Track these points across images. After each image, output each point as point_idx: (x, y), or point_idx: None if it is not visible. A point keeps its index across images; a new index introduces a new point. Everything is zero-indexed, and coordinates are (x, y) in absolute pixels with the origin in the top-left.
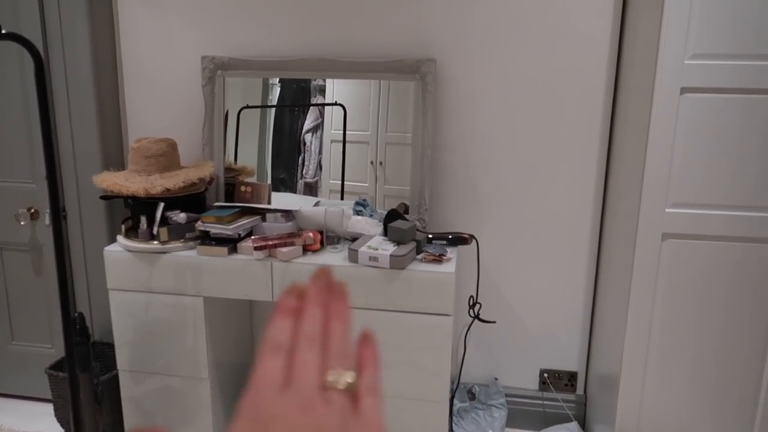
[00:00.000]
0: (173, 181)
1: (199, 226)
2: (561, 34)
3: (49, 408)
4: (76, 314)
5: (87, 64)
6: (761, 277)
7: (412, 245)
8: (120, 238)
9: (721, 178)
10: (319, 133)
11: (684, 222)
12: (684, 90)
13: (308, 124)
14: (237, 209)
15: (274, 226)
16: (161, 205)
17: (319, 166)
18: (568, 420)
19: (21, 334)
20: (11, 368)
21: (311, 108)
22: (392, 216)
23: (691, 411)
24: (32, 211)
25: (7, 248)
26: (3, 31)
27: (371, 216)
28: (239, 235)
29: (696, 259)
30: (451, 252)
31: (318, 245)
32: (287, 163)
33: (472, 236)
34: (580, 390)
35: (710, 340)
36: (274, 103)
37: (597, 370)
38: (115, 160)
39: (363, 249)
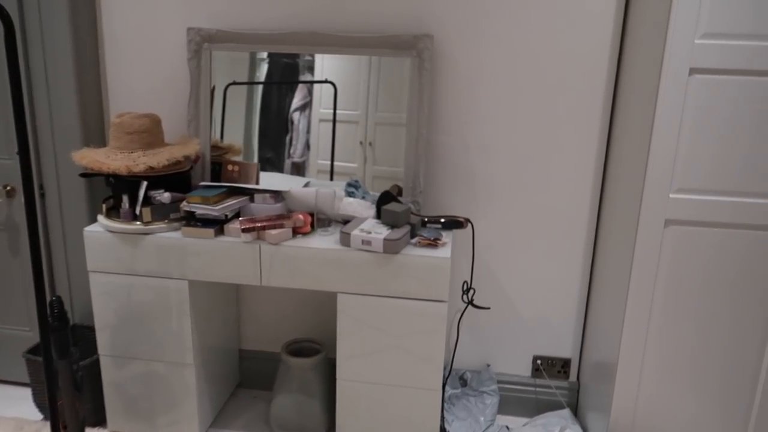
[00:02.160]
0: (157, 158)
1: (184, 206)
2: (564, 10)
3: (28, 392)
4: (53, 298)
5: (66, 33)
6: (766, 267)
7: (407, 229)
8: (101, 218)
9: (729, 164)
10: (307, 111)
11: (688, 208)
12: (693, 71)
13: (296, 102)
14: (224, 189)
15: (262, 208)
16: (144, 183)
17: (307, 146)
18: (560, 407)
19: None
20: None
21: (300, 86)
22: (386, 198)
23: (688, 400)
24: (8, 188)
25: None
26: None
27: (363, 198)
28: (226, 216)
29: (700, 247)
30: (446, 236)
31: (308, 228)
32: (274, 142)
33: (467, 220)
34: (573, 377)
35: (710, 329)
36: (262, 80)
37: (591, 358)
38: (95, 136)
39: (355, 232)
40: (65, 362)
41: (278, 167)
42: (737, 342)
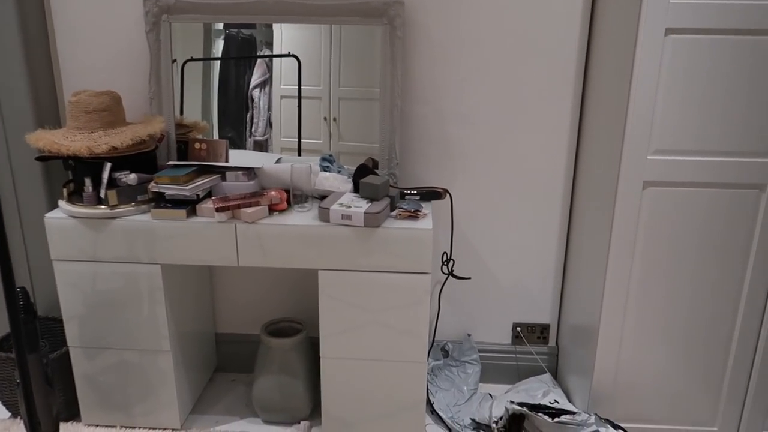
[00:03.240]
0: (120, 138)
1: (152, 187)
2: None
3: None
4: (18, 289)
5: (10, 8)
6: (747, 225)
7: (386, 201)
8: (62, 203)
9: (706, 124)
10: (267, 88)
11: (667, 169)
12: (669, 31)
13: (256, 79)
14: (194, 168)
15: (235, 186)
16: (108, 165)
17: (269, 124)
18: (541, 372)
19: None
20: None
21: (258, 62)
22: (362, 171)
23: (667, 359)
24: None
25: None
26: None
27: (339, 172)
28: (197, 196)
29: (678, 208)
30: (426, 207)
31: (285, 205)
32: (234, 120)
33: (445, 190)
34: (552, 342)
35: (689, 289)
36: (218, 56)
37: (569, 322)
38: (49, 116)
39: (335, 207)
40: (35, 356)
41: (240, 147)
42: (716, 301)
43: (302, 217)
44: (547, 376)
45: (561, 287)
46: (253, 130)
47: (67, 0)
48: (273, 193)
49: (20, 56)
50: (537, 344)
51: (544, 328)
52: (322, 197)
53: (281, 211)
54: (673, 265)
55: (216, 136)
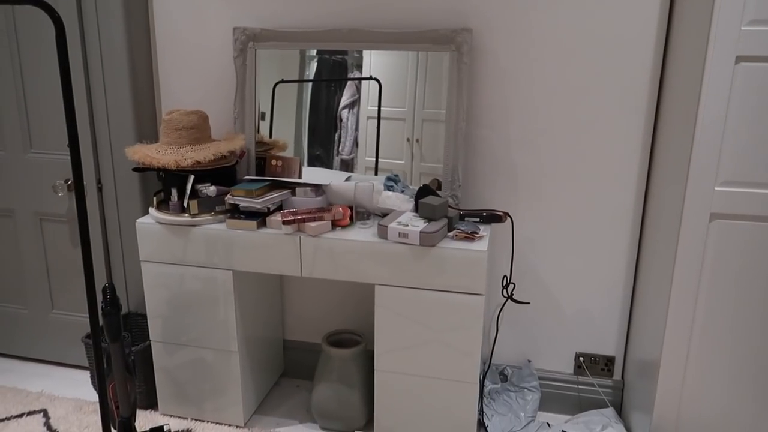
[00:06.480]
0: (203, 153)
1: (229, 199)
2: (606, 3)
3: (87, 375)
4: (106, 284)
5: (121, 35)
6: None
7: (444, 222)
8: (152, 210)
9: None
10: (355, 109)
11: (734, 201)
12: (740, 59)
13: (345, 100)
14: (267, 183)
15: (303, 201)
16: (191, 177)
17: (356, 143)
18: (603, 405)
19: (60, 303)
20: (52, 336)
21: (348, 83)
22: (424, 192)
23: (733, 398)
24: (69, 182)
25: (46, 219)
26: None
27: (402, 192)
28: (268, 208)
29: (746, 242)
30: (485, 230)
31: (347, 221)
32: (323, 139)
33: (506, 214)
34: (617, 375)
35: (756, 326)
36: (311, 77)
37: (636, 356)
38: (148, 132)
39: (393, 225)
40: (117, 346)
41: (327, 164)
42: None
43: (363, 233)
44: (610, 411)
45: (629, 319)
46: (340, 148)
47: (168, 27)
48: (338, 209)
49: (127, 78)
50: (601, 376)
51: (609, 360)
52: (384, 215)
53: (344, 226)
54: (740, 300)
55: (306, 153)
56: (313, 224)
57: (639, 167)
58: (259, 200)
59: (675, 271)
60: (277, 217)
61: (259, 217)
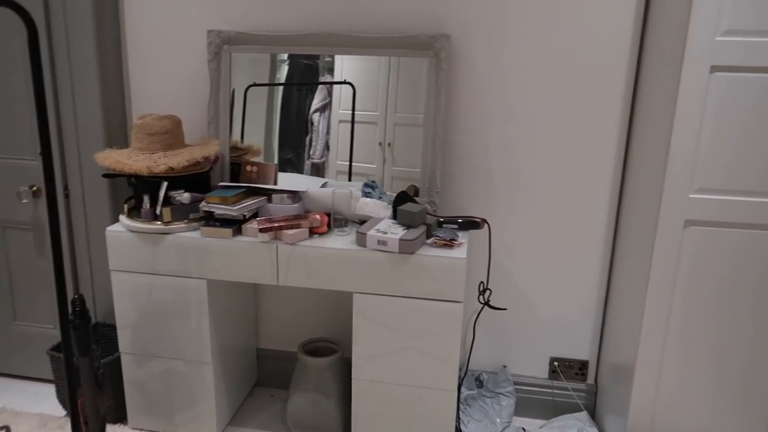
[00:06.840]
0: (177, 159)
1: (203, 206)
2: (582, 9)
3: (52, 389)
4: (75, 296)
5: (90, 37)
6: None
7: (423, 229)
8: (122, 218)
9: (750, 163)
10: (327, 113)
11: (709, 208)
12: (714, 68)
13: (316, 103)
14: (242, 189)
15: (280, 208)
16: (164, 184)
17: (327, 147)
18: (578, 409)
19: (24, 314)
20: (14, 348)
21: (319, 87)
22: (402, 198)
23: (708, 403)
24: (34, 188)
25: (9, 226)
26: None
27: (380, 198)
28: (244, 216)
29: (720, 248)
30: (463, 236)
31: (325, 228)
32: (294, 143)
33: (484, 220)
34: (590, 379)
35: (730, 331)
36: (283, 81)
37: (609, 360)
38: (118, 137)
39: (371, 232)
40: (87, 359)
41: (298, 168)
42: (757, 344)
43: (341, 241)
44: (584, 414)
45: (602, 324)
46: (311, 152)
47: (139, 32)
48: (315, 216)
49: (96, 82)
50: (575, 381)
51: (583, 365)
52: (362, 222)
53: (321, 233)
54: (714, 305)
55: (276, 158)
56: (290, 232)
57: (614, 174)
58: (235, 207)
59: (650, 276)
60: (253, 225)
61: (235, 225)
